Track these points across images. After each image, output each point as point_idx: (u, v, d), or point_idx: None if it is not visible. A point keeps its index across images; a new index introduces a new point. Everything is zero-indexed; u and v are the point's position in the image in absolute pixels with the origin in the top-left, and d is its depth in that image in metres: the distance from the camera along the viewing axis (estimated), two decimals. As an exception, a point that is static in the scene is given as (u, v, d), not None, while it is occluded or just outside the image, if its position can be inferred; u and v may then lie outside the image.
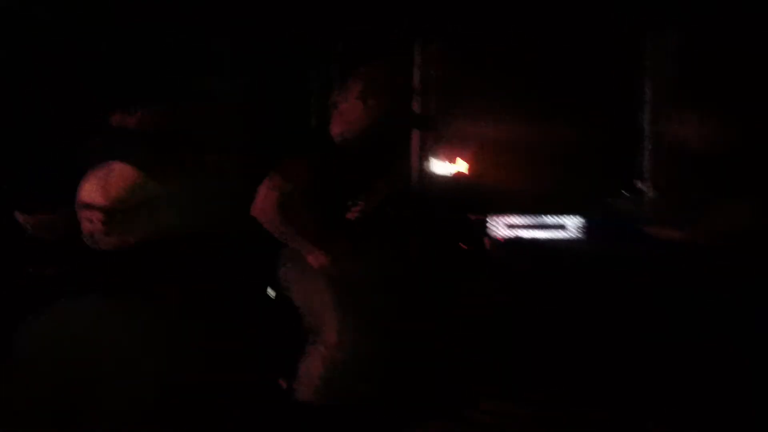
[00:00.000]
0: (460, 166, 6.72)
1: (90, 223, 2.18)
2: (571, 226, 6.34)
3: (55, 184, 3.98)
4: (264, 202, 4.49)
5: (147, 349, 2.06)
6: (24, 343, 2.14)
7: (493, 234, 6.20)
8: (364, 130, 4.65)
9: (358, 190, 4.70)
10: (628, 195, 4.99)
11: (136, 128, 4.79)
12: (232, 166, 4.82)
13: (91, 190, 2.17)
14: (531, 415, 2.00)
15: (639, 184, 6.16)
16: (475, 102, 6.42)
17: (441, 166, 6.74)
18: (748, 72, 4.85)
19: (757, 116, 4.52)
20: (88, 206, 2.16)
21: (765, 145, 4.42)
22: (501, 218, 6.31)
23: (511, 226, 6.29)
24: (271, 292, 4.80)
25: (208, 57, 5.55)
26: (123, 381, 2.03)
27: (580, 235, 6.32)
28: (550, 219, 6.35)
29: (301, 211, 4.43)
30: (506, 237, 6.21)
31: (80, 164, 4.35)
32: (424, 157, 6.50)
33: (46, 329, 2.15)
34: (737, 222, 4.33)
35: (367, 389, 4.38)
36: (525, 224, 6.32)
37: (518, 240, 6.20)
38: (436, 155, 6.67)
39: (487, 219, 6.27)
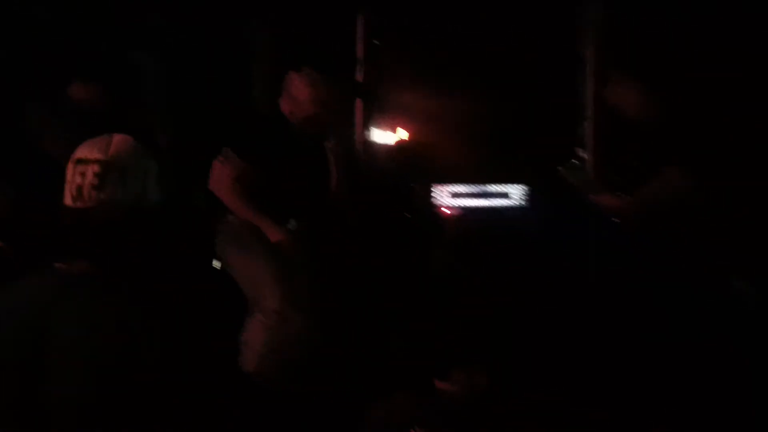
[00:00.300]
0: (403, 135, 6.73)
1: (82, 177, 2.16)
2: (514, 194, 6.39)
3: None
4: (219, 175, 4.53)
5: (98, 332, 2.05)
6: None
7: (438, 203, 6.24)
8: (313, 111, 4.65)
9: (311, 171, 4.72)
10: (572, 164, 5.02)
11: (76, 100, 4.79)
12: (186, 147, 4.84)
13: (90, 148, 2.17)
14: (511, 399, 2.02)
15: (581, 153, 6.23)
16: (418, 72, 6.43)
17: (384, 136, 6.75)
18: (681, 44, 4.95)
19: (689, 88, 4.59)
20: (84, 161, 2.15)
21: (695, 116, 4.49)
22: (445, 186, 6.34)
23: (455, 195, 6.33)
24: (216, 264, 4.81)
25: (144, 33, 5.49)
26: (71, 363, 2.02)
27: (524, 204, 6.38)
28: (493, 187, 6.40)
29: (255, 186, 4.46)
30: (452, 206, 6.25)
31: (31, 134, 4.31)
32: (367, 127, 6.51)
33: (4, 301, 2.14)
34: (668, 190, 4.39)
35: (310, 361, 4.42)
36: (468, 192, 6.36)
37: (464, 210, 6.24)
38: (379, 125, 6.68)
39: (432, 187, 6.30)
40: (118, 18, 5.28)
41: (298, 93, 4.56)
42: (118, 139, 2.24)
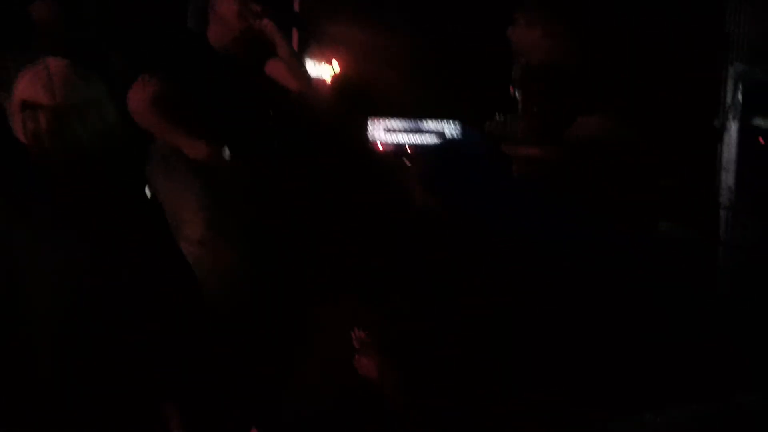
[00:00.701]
0: (339, 68, 6.65)
1: (35, 122, 1.99)
2: (450, 131, 6.37)
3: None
4: (138, 96, 4.42)
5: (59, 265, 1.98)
6: None
7: (373, 137, 6.19)
8: (240, 33, 4.54)
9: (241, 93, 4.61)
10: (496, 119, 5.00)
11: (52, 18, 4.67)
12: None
13: (33, 88, 1.97)
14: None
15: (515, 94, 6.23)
16: (356, 3, 6.34)
17: (320, 68, 6.67)
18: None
19: (599, 30, 4.61)
20: (32, 106, 1.97)
21: (611, 58, 4.52)
22: (380, 121, 6.29)
23: (390, 130, 6.28)
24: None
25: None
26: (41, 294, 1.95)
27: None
28: (428, 124, 6.37)
29: (177, 107, 4.37)
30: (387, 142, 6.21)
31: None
32: (303, 58, 6.41)
33: None
34: (589, 133, 4.40)
35: (234, 297, 4.38)
36: (403, 128, 6.32)
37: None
38: (315, 57, 6.59)
39: (368, 121, 6.25)
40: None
41: (226, 10, 4.42)
42: (57, 70, 2.06)
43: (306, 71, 4.62)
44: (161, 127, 4.40)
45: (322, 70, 6.63)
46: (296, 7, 6.20)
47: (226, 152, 4.74)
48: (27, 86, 2.06)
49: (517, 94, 6.25)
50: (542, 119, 4.69)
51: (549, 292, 2.42)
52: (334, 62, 6.63)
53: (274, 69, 4.50)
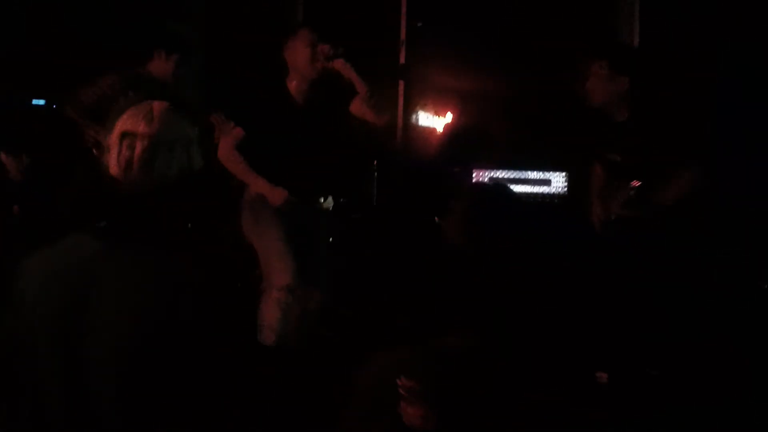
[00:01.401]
0: (445, 118, 6.71)
1: (130, 150, 2.20)
2: (555, 181, 6.33)
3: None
4: (223, 143, 4.53)
5: (139, 289, 2.09)
6: (25, 278, 2.19)
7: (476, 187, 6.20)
8: (316, 77, 4.62)
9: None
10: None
11: (170, 72, 4.89)
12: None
13: (134, 120, 2.20)
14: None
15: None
16: (460, 55, 6.39)
17: (426, 118, 6.73)
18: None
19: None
20: (132, 134, 2.19)
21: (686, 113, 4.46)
22: (485, 171, 6.30)
23: (494, 180, 6.28)
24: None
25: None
26: (111, 318, 2.06)
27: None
28: (534, 174, 6.34)
29: (258, 155, 4.51)
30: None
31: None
32: (408, 108, 6.50)
33: (43, 264, 2.18)
34: (679, 192, 4.32)
35: (325, 332, 4.48)
36: (508, 178, 6.31)
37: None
38: (421, 107, 6.66)
39: (472, 171, 6.26)
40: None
41: (299, 57, 4.51)
42: (158, 108, 2.26)
43: (384, 107, 4.62)
44: (244, 174, 4.54)
45: (429, 119, 6.70)
46: (402, 58, 6.28)
47: (329, 202, 4.84)
48: (129, 119, 2.27)
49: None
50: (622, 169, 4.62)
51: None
52: (441, 111, 6.70)
53: (356, 108, 4.56)
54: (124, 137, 2.21)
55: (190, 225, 2.24)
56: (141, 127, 2.21)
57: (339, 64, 4.43)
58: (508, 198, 2.37)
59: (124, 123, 2.24)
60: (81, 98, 4.51)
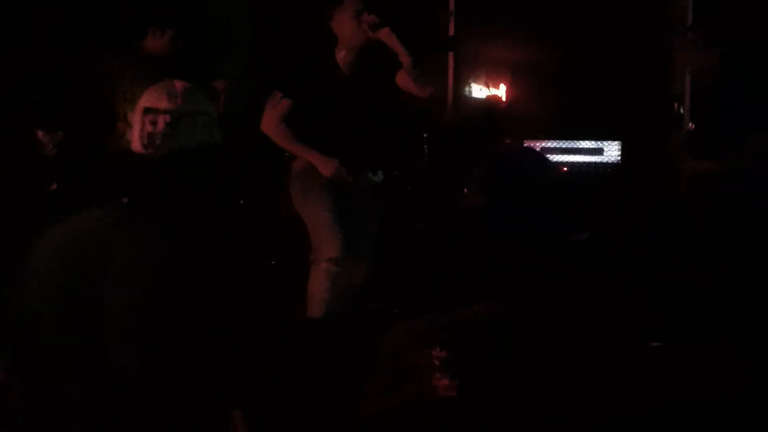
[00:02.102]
0: (497, 89, 6.68)
1: (153, 125, 2.26)
2: (608, 150, 6.29)
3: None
4: (269, 114, 4.52)
5: (152, 264, 2.13)
6: (40, 253, 2.23)
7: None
8: (362, 48, 4.60)
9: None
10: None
11: (165, 50, 4.90)
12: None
13: (157, 97, 2.27)
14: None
15: (679, 109, 6.10)
16: (510, 25, 6.35)
17: (477, 90, 6.71)
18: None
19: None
20: (154, 110, 2.26)
21: None
22: (536, 143, 6.28)
23: (546, 150, 6.26)
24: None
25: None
26: (128, 287, 2.09)
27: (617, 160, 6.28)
28: (586, 143, 6.31)
29: (306, 125, 4.52)
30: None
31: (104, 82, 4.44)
32: (458, 80, 6.48)
33: (58, 238, 2.22)
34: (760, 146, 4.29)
35: (375, 307, 4.51)
36: (560, 148, 6.28)
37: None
38: (471, 79, 6.64)
39: (522, 143, 6.24)
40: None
41: (345, 27, 4.47)
42: (180, 86, 2.31)
43: (428, 78, 4.59)
44: (291, 144, 4.58)
45: (479, 91, 6.68)
46: (451, 30, 6.26)
47: (379, 175, 4.84)
48: (151, 95, 2.31)
49: (681, 110, 6.15)
50: (712, 134, 4.62)
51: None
52: (491, 83, 6.67)
53: (401, 79, 4.55)
54: (147, 113, 2.26)
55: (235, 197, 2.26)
56: (164, 103, 2.26)
57: (384, 34, 4.39)
58: (525, 163, 2.28)
59: (146, 100, 2.29)
60: (95, 81, 4.57)
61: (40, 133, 3.21)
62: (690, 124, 5.24)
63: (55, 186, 3.14)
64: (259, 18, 6.27)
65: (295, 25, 5.90)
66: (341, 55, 4.52)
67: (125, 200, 2.22)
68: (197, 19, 4.96)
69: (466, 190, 2.16)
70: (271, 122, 4.54)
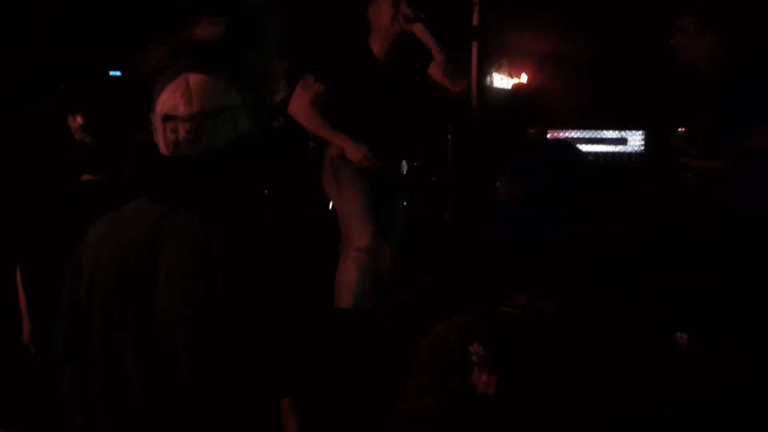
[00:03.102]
0: (520, 79, 6.67)
1: (174, 133, 2.21)
2: (632, 140, 6.28)
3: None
4: (299, 99, 4.49)
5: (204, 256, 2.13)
6: (89, 244, 2.24)
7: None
8: (397, 39, 4.59)
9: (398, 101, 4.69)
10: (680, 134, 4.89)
11: (200, 39, 4.88)
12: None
13: (172, 101, 2.19)
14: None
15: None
16: (535, 14, 6.34)
17: (500, 80, 6.71)
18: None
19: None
20: (173, 118, 2.19)
21: None
22: (559, 132, 6.27)
23: (569, 140, 6.24)
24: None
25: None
26: (178, 278, 2.10)
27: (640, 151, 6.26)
28: (610, 133, 6.29)
29: (337, 110, 4.52)
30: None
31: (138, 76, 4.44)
32: (482, 70, 6.46)
33: (107, 229, 2.23)
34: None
35: (403, 297, 4.50)
36: (584, 138, 6.27)
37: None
38: (495, 68, 6.64)
39: (546, 132, 6.24)
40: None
41: (382, 17, 4.46)
42: (195, 82, 2.22)
43: (461, 75, 4.60)
44: (320, 128, 4.57)
45: (502, 81, 6.68)
46: (475, 20, 6.24)
47: (404, 166, 4.85)
48: (167, 100, 2.22)
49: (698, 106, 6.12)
50: (721, 131, 4.56)
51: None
52: (515, 73, 6.67)
53: (433, 73, 4.55)
54: (166, 120, 2.20)
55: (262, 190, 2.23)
56: (180, 109, 2.18)
57: (418, 29, 4.40)
58: (561, 159, 2.26)
59: (164, 104, 2.21)
60: (141, 69, 4.57)
61: (69, 119, 3.21)
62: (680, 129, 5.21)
63: (86, 177, 3.14)
64: (293, 6, 6.27)
65: (330, 13, 5.91)
66: (376, 44, 4.52)
67: (162, 197, 2.20)
68: (233, 7, 4.95)
69: (501, 182, 2.14)
70: (301, 105, 4.52)
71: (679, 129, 5.20)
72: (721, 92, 4.29)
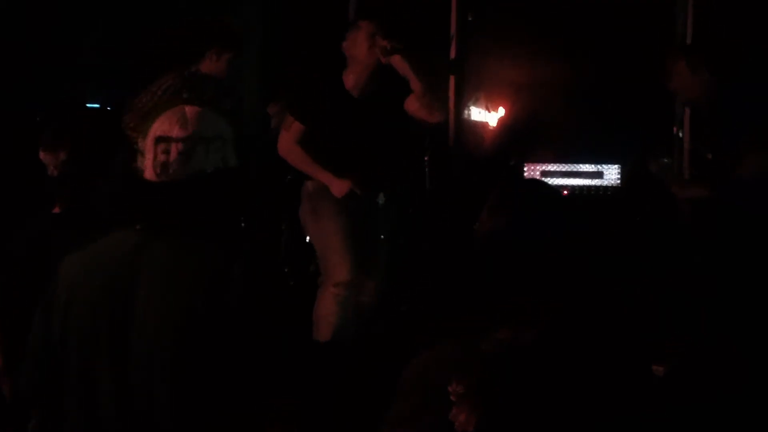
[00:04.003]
0: (498, 112, 6.70)
1: (166, 154, 2.24)
2: (608, 173, 6.32)
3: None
4: (284, 136, 4.56)
5: (177, 281, 2.13)
6: (62, 278, 2.23)
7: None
8: (374, 71, 4.60)
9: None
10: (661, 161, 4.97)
11: (222, 71, 4.90)
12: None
13: (168, 124, 2.23)
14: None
15: (678, 133, 6.12)
16: (511, 48, 6.38)
17: (478, 112, 6.74)
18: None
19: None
20: (166, 139, 2.23)
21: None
22: (536, 165, 6.30)
23: (546, 174, 6.28)
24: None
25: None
26: (156, 307, 2.10)
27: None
28: (586, 167, 6.33)
29: (319, 147, 4.54)
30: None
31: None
32: (460, 103, 6.49)
33: (82, 262, 2.22)
34: (759, 170, 4.33)
35: (380, 327, 4.50)
36: (560, 171, 6.31)
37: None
38: (473, 101, 6.66)
39: (523, 165, 6.27)
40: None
41: (358, 49, 4.49)
42: (191, 111, 2.26)
43: (439, 106, 4.61)
44: (306, 165, 4.57)
45: (480, 114, 6.71)
46: (453, 53, 6.28)
47: (381, 197, 4.84)
48: (162, 123, 2.26)
49: (681, 134, 6.17)
50: (711, 160, 4.65)
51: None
52: (493, 106, 6.70)
53: (411, 105, 4.58)
54: (159, 142, 2.22)
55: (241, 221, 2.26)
56: (175, 131, 2.22)
57: (396, 60, 4.42)
58: (543, 194, 2.30)
59: (157, 128, 2.24)
60: (137, 105, 4.56)
61: (41, 154, 3.20)
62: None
63: (57, 209, 3.13)
64: (270, 42, 6.31)
65: (302, 48, 5.94)
66: (351, 77, 4.54)
67: (139, 227, 2.20)
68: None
69: (483, 214, 2.16)
70: (286, 144, 4.59)
71: (664, 159, 5.26)
72: (721, 93, 4.43)
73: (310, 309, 4.46)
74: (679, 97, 4.69)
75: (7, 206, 4.58)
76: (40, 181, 3.24)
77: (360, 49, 4.47)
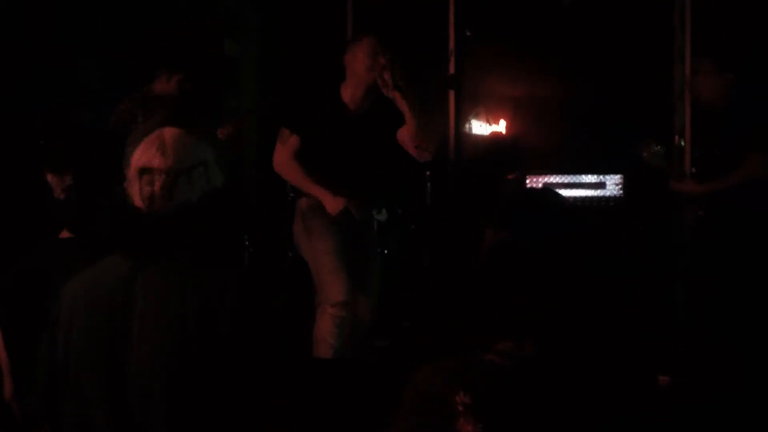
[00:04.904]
0: (497, 126, 6.70)
1: (150, 186, 2.23)
2: (610, 184, 6.32)
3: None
4: (279, 151, 4.50)
5: (171, 308, 2.13)
6: (63, 302, 2.23)
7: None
8: (372, 87, 4.60)
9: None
10: (656, 150, 4.97)
11: (174, 92, 4.90)
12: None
13: (148, 155, 2.21)
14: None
15: (680, 141, 6.12)
16: (509, 62, 6.40)
17: (478, 126, 6.74)
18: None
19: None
20: (149, 170, 2.21)
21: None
22: (538, 177, 6.30)
23: (549, 185, 6.26)
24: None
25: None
26: (151, 333, 2.10)
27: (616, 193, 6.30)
28: (588, 177, 6.32)
29: (314, 161, 4.52)
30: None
31: (117, 129, 4.44)
32: (460, 118, 6.50)
33: (81, 287, 2.23)
34: (753, 176, 4.37)
35: (382, 343, 4.47)
36: (563, 183, 6.30)
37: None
38: (471, 115, 6.67)
39: (525, 178, 6.26)
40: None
41: (359, 65, 4.46)
42: (169, 136, 2.26)
43: (429, 147, 4.57)
44: (302, 181, 4.54)
45: (479, 128, 6.71)
46: (451, 68, 6.29)
47: (384, 214, 4.84)
48: (143, 153, 2.26)
49: (683, 142, 6.18)
50: (713, 158, 4.68)
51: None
52: (492, 120, 6.71)
53: (402, 136, 4.50)
54: (143, 173, 2.23)
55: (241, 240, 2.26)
56: (156, 162, 2.22)
57: (395, 96, 4.41)
58: (547, 203, 2.29)
59: (139, 158, 2.25)
60: (112, 123, 4.59)
61: (49, 176, 3.20)
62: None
63: (65, 233, 3.13)
64: (268, 56, 6.32)
65: (303, 62, 5.95)
66: (348, 91, 4.52)
67: (132, 254, 2.21)
68: (206, 60, 4.96)
69: (488, 228, 2.15)
70: (281, 159, 4.54)
71: (656, 146, 5.25)
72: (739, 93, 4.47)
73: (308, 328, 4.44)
74: (701, 97, 4.73)
75: (7, 209, 4.59)
76: (38, 188, 3.24)
77: (360, 64, 4.45)
